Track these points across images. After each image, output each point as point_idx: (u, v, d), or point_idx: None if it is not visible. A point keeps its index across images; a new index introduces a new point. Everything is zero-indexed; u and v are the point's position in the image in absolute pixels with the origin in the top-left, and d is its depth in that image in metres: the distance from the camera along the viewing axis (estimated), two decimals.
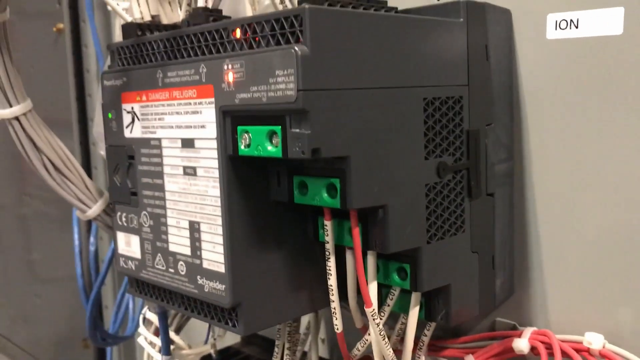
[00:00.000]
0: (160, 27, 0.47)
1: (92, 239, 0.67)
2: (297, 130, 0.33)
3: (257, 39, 0.35)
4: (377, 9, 0.40)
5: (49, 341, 1.21)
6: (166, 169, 0.42)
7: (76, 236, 0.66)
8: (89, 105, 0.92)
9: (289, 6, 0.44)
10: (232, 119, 0.37)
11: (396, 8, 0.42)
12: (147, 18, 0.47)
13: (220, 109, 0.37)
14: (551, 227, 0.47)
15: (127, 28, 0.46)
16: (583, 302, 0.46)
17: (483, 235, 0.44)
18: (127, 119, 0.45)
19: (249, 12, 0.53)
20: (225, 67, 0.36)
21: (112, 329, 0.77)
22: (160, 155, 0.42)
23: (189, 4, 0.48)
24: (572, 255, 0.46)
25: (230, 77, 0.36)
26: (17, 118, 0.47)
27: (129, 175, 0.45)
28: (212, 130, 0.38)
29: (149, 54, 0.43)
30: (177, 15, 0.49)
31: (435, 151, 0.40)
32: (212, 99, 0.37)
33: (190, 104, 0.39)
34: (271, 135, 0.35)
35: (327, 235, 0.39)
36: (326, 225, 0.39)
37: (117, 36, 0.50)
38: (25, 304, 1.25)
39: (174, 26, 0.47)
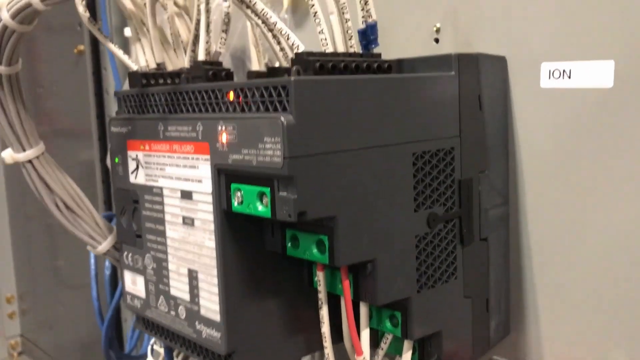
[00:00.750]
0: (164, 75, 0.48)
1: (107, 263, 0.69)
2: (284, 194, 0.35)
3: (248, 103, 0.37)
4: (369, 64, 0.42)
5: (73, 347, 1.25)
6: (167, 217, 0.44)
7: (92, 260, 0.69)
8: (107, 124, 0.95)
9: (289, 54, 0.45)
10: (226, 177, 0.39)
11: (389, 62, 0.43)
12: (153, 65, 0.49)
13: (215, 167, 0.39)
14: (547, 269, 0.47)
15: (133, 77, 0.48)
16: (578, 343, 0.47)
17: (476, 280, 0.45)
18: (132, 165, 0.47)
19: (253, 54, 0.55)
20: (220, 127, 0.38)
21: (129, 344, 0.79)
22: (162, 203, 0.44)
23: (193, 51, 0.50)
24: (568, 297, 0.46)
25: (224, 137, 0.38)
26: (30, 161, 0.49)
27: (134, 218, 0.47)
28: (207, 186, 0.40)
29: (152, 105, 0.45)
30: (182, 60, 0.50)
31: (425, 203, 0.41)
32: (208, 157, 0.39)
33: (188, 158, 0.41)
34: (261, 195, 0.36)
35: (320, 285, 0.41)
36: (318, 276, 0.40)
37: (134, 60, 0.51)
38: (50, 310, 1.29)
39: (178, 73, 0.49)
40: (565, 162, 0.45)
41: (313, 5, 0.40)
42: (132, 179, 0.47)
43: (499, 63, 0.47)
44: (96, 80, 0.94)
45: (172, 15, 0.49)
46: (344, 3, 0.41)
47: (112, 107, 0.94)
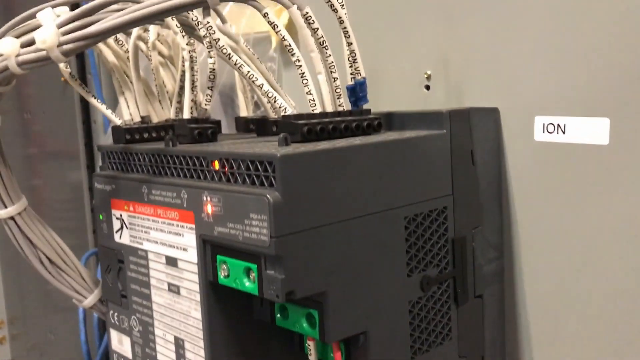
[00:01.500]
0: (149, 129, 0.47)
1: None
2: (272, 272, 0.33)
3: (234, 174, 0.36)
4: (358, 123, 0.40)
5: None
6: (152, 281, 0.42)
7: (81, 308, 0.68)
8: (96, 153, 0.94)
9: (280, 102, 0.44)
10: (212, 247, 0.37)
11: (379, 119, 0.42)
12: (137, 119, 0.47)
13: (201, 237, 0.37)
14: (543, 322, 0.46)
15: (116, 132, 0.47)
16: None
17: (471, 339, 0.44)
18: (116, 224, 0.45)
19: (241, 100, 0.53)
20: (205, 198, 0.36)
21: None
22: (147, 267, 0.43)
23: (178, 102, 0.49)
24: (565, 349, 0.45)
25: (209, 208, 0.36)
26: (12, 218, 0.48)
27: (120, 277, 0.46)
28: (193, 255, 0.38)
29: (136, 164, 0.44)
30: (167, 112, 0.49)
31: (418, 266, 0.40)
32: (193, 226, 0.38)
33: (173, 224, 0.40)
34: (248, 271, 0.35)
35: (311, 355, 0.39)
36: (309, 345, 0.39)
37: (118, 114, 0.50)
38: (41, 335, 1.27)
39: (163, 127, 0.48)
40: (560, 216, 0.44)
41: (300, 66, 0.39)
42: (116, 237, 0.46)
43: (492, 115, 0.46)
44: (84, 108, 0.93)
45: (156, 66, 0.48)
46: (331, 62, 0.40)
47: (99, 135, 0.93)
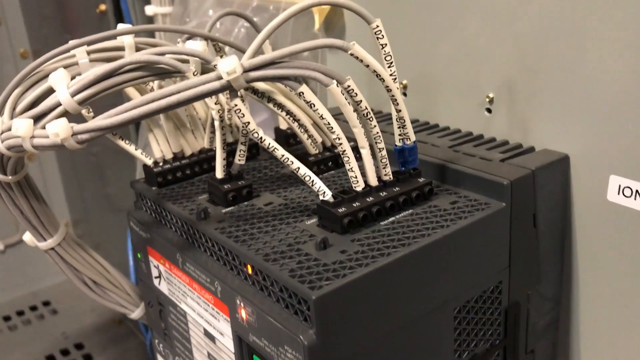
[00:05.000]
0: (182, 167, 0.44)
1: None
2: None
3: (267, 288, 0.33)
4: (407, 197, 0.36)
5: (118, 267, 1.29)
6: (193, 341, 0.42)
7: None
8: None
9: (318, 186, 0.40)
10: (248, 347, 0.36)
11: (431, 185, 0.38)
12: (169, 156, 0.44)
13: (236, 333, 0.36)
14: None
15: (148, 174, 0.44)
16: None
17: None
18: (154, 271, 0.44)
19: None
20: (238, 302, 0.34)
21: None
22: (187, 325, 0.42)
23: (212, 132, 0.45)
24: None
25: (243, 314, 0.34)
26: (52, 248, 0.47)
27: (162, 317, 0.46)
28: (229, 342, 0.37)
29: (170, 221, 0.41)
30: (200, 142, 0.45)
31: (467, 349, 0.38)
32: (228, 319, 0.36)
33: (209, 305, 0.38)
34: None
35: None
36: None
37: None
38: (102, 234, 1.32)
39: (197, 162, 0.44)
40: (627, 277, 0.40)
41: (341, 144, 0.35)
42: (155, 282, 0.45)
43: (560, 166, 0.40)
44: None
45: None
46: (377, 133, 0.35)
47: None
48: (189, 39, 0.43)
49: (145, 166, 0.44)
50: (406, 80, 0.50)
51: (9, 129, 0.37)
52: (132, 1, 0.78)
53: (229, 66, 0.31)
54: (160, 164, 0.44)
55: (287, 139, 0.49)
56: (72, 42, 0.40)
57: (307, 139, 0.43)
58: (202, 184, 0.44)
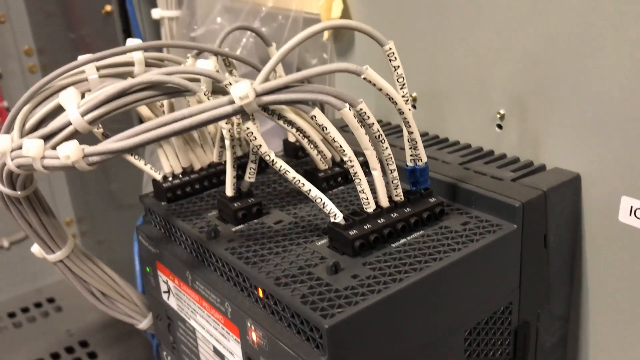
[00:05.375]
0: (192, 182, 0.44)
1: None
2: None
3: (279, 312, 0.33)
4: (418, 218, 0.36)
5: (125, 261, 1.29)
6: (202, 357, 0.42)
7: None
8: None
9: (329, 208, 0.40)
10: None
11: (442, 206, 0.37)
12: (178, 171, 0.44)
13: (246, 354, 0.36)
14: None
15: (157, 189, 0.44)
16: None
17: None
18: (163, 286, 0.44)
19: None
20: (249, 324, 0.34)
21: None
22: (196, 341, 0.42)
23: (221, 146, 0.45)
24: None
25: (254, 336, 0.34)
26: (61, 261, 0.47)
27: (170, 331, 0.46)
28: None
29: (179, 238, 0.41)
30: (209, 156, 0.45)
31: None
32: (238, 339, 0.36)
33: (219, 325, 0.38)
34: None
35: None
36: None
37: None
38: (106, 231, 1.32)
39: (206, 176, 0.44)
40: (638, 293, 0.40)
41: (353, 166, 0.34)
42: (164, 297, 0.45)
43: (572, 185, 0.40)
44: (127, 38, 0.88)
45: None
46: (389, 155, 0.35)
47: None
48: (198, 54, 0.42)
49: (154, 181, 0.44)
50: (416, 93, 0.50)
51: (19, 147, 0.37)
52: (138, 3, 0.78)
53: (241, 91, 0.31)
54: (170, 178, 0.44)
55: (296, 151, 0.49)
56: (81, 58, 0.40)
57: (317, 155, 0.43)
58: (211, 199, 0.44)
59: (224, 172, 0.45)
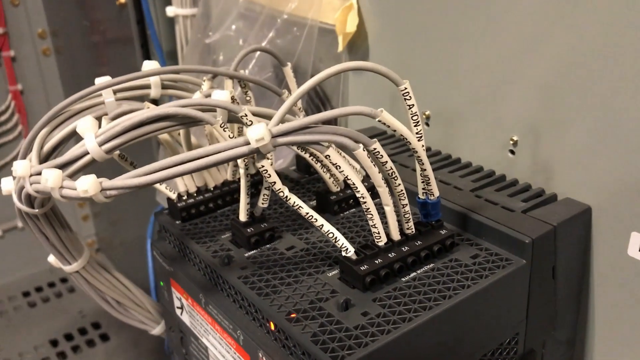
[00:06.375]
0: (206, 201, 0.45)
1: None
2: None
3: (289, 347, 0.34)
4: (429, 252, 0.37)
5: (136, 240, 1.30)
6: None
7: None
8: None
9: (341, 242, 0.41)
10: None
11: (453, 238, 0.38)
12: (192, 189, 0.44)
13: None
14: None
15: (172, 208, 0.45)
16: None
17: None
18: (177, 302, 0.45)
19: None
20: (261, 355, 0.35)
21: None
22: (208, 358, 0.43)
23: (235, 165, 0.45)
24: None
25: None
26: (77, 272, 0.48)
27: (183, 344, 0.47)
28: None
29: (193, 260, 0.42)
30: (223, 174, 0.46)
31: None
32: None
33: (231, 349, 0.39)
34: None
35: None
36: None
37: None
38: (117, 212, 1.32)
39: (221, 195, 0.45)
40: None
41: (365, 202, 0.35)
42: (178, 312, 0.46)
43: (582, 218, 0.40)
44: (141, 31, 0.88)
45: (210, 131, 0.44)
46: (401, 191, 0.36)
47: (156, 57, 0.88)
48: (214, 76, 0.43)
49: (169, 200, 0.45)
50: (429, 111, 0.50)
51: (38, 173, 0.37)
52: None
53: (257, 134, 0.31)
54: (184, 197, 0.44)
55: (308, 167, 0.50)
56: (98, 83, 0.40)
57: (329, 178, 0.44)
58: (224, 218, 0.44)
59: (237, 190, 0.46)
